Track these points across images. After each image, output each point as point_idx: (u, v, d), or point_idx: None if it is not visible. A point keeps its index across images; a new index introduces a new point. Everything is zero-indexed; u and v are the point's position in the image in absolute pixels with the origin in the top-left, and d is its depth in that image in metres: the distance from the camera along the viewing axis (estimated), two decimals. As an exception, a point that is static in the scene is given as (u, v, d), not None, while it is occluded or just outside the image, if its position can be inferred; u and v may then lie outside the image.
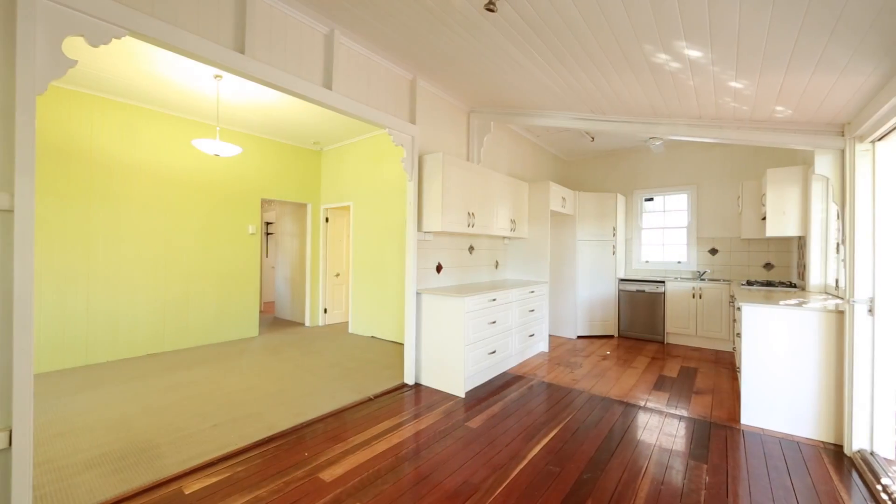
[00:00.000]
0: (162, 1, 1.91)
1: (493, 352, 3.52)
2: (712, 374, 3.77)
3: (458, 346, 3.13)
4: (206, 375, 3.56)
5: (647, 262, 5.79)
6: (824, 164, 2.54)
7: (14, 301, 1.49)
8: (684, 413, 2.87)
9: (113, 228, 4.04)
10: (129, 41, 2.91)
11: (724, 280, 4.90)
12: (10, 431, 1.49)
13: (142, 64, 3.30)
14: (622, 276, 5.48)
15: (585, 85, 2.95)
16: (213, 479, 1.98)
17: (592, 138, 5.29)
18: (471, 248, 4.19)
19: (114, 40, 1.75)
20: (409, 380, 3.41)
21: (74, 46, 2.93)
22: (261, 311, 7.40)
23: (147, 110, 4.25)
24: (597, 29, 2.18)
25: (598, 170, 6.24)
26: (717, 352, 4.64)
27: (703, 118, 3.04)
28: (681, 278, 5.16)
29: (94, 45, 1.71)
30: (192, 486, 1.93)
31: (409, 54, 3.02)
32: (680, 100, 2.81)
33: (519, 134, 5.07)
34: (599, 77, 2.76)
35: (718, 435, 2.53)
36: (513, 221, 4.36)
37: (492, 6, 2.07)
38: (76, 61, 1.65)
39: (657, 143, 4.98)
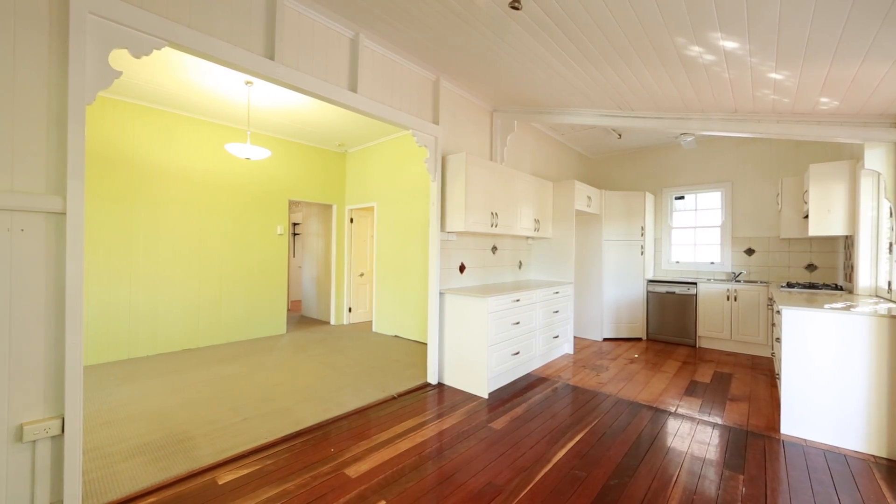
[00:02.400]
0: (198, 12, 2.00)
1: (517, 353, 3.48)
2: (749, 381, 3.59)
3: (482, 346, 3.12)
4: (237, 371, 3.70)
5: (677, 262, 5.59)
6: (875, 158, 2.37)
7: (66, 298, 1.60)
8: (718, 420, 2.75)
9: (152, 230, 4.26)
10: (165, 51, 3.06)
11: (761, 282, 4.66)
12: (63, 419, 1.60)
13: (177, 73, 3.47)
14: (651, 277, 5.31)
15: (613, 81, 2.88)
16: (245, 471, 2.06)
17: (619, 135, 5.14)
18: (494, 249, 4.16)
19: (154, 51, 1.85)
20: (433, 379, 3.43)
21: (118, 58, 3.11)
22: (288, 310, 7.62)
23: (183, 117, 4.46)
24: (625, 23, 2.12)
25: (626, 168, 6.07)
26: (753, 357, 4.42)
27: (740, 112, 2.90)
28: (714, 279, 4.95)
29: (137, 57, 1.81)
30: (225, 477, 2.01)
31: (432, 55, 3.03)
32: (714, 93, 2.70)
33: (543, 132, 5.00)
34: (627, 72, 2.69)
35: (756, 444, 2.41)
36: (537, 221, 4.31)
37: (517, 4, 2.06)
38: (121, 72, 1.75)
39: (688, 139, 4.79)
